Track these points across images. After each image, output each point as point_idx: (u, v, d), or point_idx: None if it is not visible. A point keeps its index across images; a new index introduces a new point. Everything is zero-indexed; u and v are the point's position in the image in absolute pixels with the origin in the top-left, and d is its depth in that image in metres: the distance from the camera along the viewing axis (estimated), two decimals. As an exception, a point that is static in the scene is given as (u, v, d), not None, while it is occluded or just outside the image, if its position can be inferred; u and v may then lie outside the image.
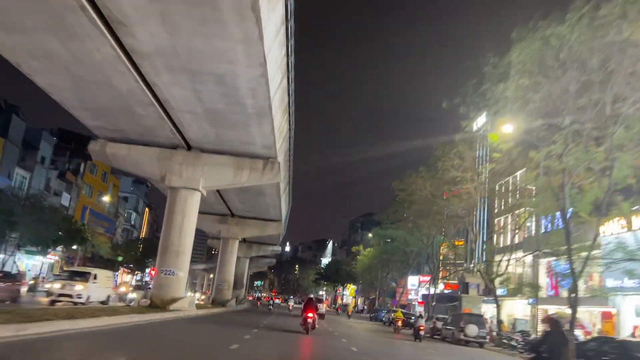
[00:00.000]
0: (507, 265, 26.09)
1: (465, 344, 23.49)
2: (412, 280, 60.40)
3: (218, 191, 34.19)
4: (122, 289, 35.00)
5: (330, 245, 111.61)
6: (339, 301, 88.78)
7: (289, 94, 20.42)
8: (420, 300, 58.27)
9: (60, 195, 53.22)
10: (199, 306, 32.06)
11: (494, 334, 24.32)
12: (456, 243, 48.61)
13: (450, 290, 49.92)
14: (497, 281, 26.26)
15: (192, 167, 24.34)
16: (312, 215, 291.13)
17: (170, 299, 23.09)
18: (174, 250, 23.86)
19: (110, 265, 60.97)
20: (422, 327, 24.89)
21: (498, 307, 25.67)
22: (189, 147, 24.45)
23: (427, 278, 59.17)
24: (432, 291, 46.03)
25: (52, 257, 51.43)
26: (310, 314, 19.25)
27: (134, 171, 25.64)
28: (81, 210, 58.56)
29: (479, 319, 24.05)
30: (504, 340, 23.03)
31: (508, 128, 20.78)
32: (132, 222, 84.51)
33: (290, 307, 51.98)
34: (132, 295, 30.13)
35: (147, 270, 70.85)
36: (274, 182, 26.32)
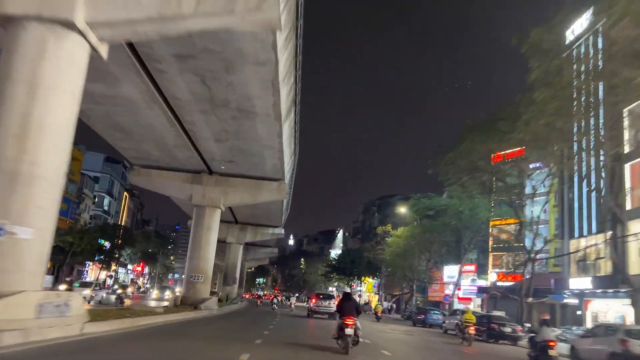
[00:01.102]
0: None
1: None
2: (449, 271, 45.90)
3: (175, 115, 19.43)
4: None
5: (340, 234, 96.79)
6: (356, 299, 73.71)
7: None
8: (460, 295, 43.31)
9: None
10: (139, 313, 17.32)
11: None
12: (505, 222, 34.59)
13: (508, 282, 35.17)
14: None
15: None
16: (317, 207, 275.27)
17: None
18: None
19: (63, 255, 46.60)
20: (553, 344, 13.18)
21: None
22: None
23: (472, 267, 44.64)
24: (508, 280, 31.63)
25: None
26: (349, 322, 11.52)
27: None
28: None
29: None
30: None
31: None
32: (106, 208, 70.12)
33: (292, 306, 42.06)
34: None
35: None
36: (267, 20, 11.25)
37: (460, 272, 41.53)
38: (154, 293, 55.24)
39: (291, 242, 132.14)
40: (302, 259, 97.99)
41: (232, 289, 46.48)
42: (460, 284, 43.02)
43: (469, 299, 42.26)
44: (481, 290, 41.13)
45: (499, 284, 36.52)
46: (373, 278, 66.01)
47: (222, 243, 42.92)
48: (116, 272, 69.76)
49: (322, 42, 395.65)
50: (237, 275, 49.46)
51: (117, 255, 58.13)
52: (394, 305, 57.58)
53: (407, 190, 67.63)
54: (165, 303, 34.47)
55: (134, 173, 28.85)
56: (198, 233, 28.38)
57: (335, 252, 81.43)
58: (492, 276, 38.69)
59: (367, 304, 61.77)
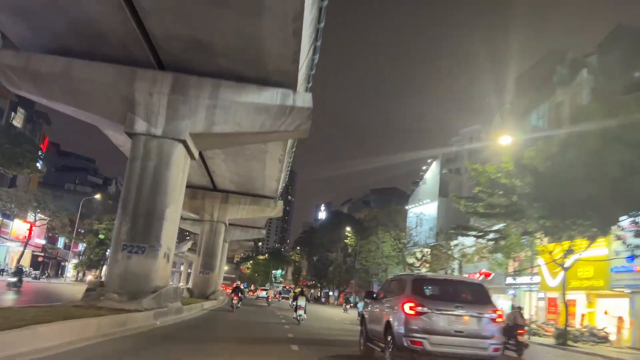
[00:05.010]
0: None
1: None
2: None
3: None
4: None
5: (434, 168, 49.88)
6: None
7: None
8: None
9: None
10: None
11: None
12: None
13: None
14: None
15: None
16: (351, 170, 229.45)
17: None
18: None
19: None
20: None
21: None
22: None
23: None
24: None
25: None
26: None
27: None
28: None
29: None
30: None
31: None
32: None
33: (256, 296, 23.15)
34: None
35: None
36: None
37: None
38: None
39: (322, 214, 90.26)
40: (348, 229, 59.27)
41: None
42: None
43: None
44: None
45: None
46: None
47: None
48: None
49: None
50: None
51: None
52: None
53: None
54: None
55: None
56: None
57: (415, 213, 43.03)
58: None
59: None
